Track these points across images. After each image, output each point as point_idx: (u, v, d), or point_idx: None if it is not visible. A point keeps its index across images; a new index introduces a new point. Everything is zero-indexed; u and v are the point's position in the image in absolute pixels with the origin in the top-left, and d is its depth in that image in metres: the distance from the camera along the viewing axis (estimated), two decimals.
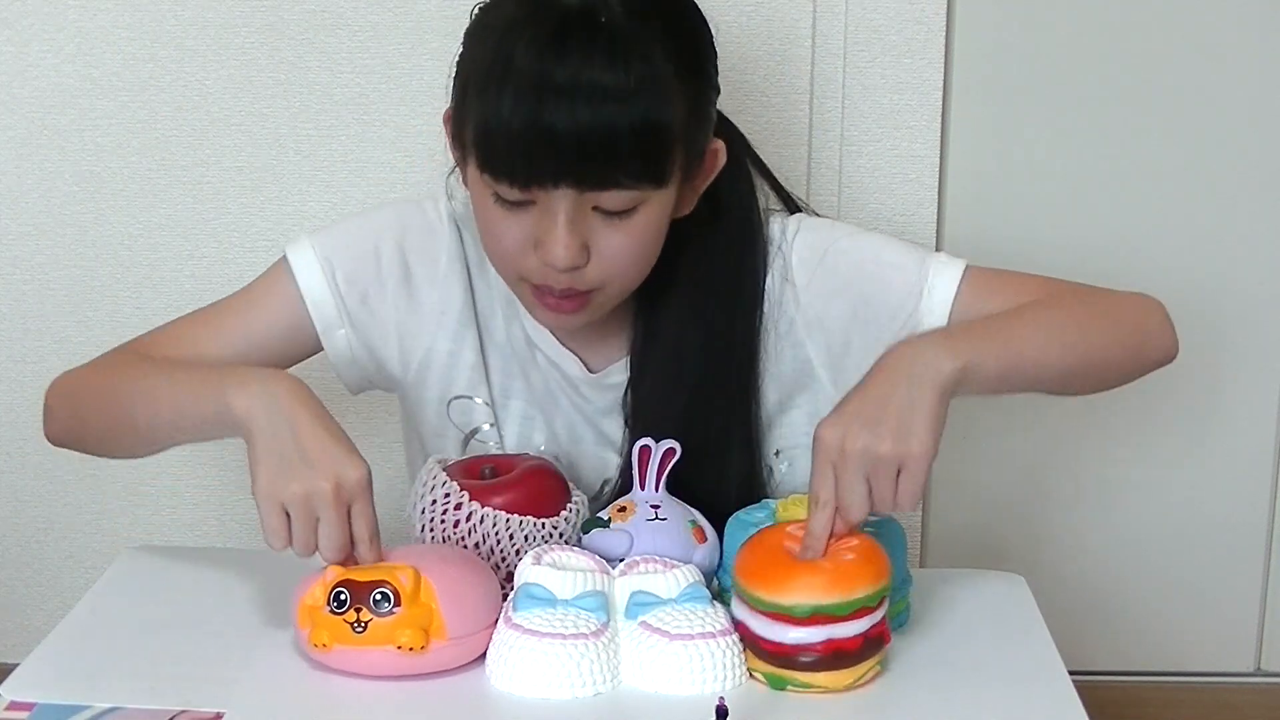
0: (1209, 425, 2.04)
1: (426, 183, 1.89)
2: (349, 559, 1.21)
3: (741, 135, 1.49)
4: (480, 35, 1.31)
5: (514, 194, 1.29)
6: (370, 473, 1.23)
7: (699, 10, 1.36)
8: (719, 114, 1.41)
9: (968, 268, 1.43)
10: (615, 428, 1.47)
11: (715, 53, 1.37)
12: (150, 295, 1.97)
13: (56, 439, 1.45)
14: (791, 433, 1.47)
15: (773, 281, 1.45)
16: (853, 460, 1.20)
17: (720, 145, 1.39)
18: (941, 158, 1.93)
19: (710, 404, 1.41)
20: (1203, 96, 1.94)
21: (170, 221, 1.95)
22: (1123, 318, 1.41)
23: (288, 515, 1.20)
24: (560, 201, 1.28)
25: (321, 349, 1.47)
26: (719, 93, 1.38)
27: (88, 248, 1.95)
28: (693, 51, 1.33)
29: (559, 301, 1.34)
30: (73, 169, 1.93)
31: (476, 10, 1.34)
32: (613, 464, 1.47)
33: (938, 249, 1.94)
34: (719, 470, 1.39)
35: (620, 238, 1.31)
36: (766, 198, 1.50)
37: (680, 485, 1.32)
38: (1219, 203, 1.97)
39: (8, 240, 1.96)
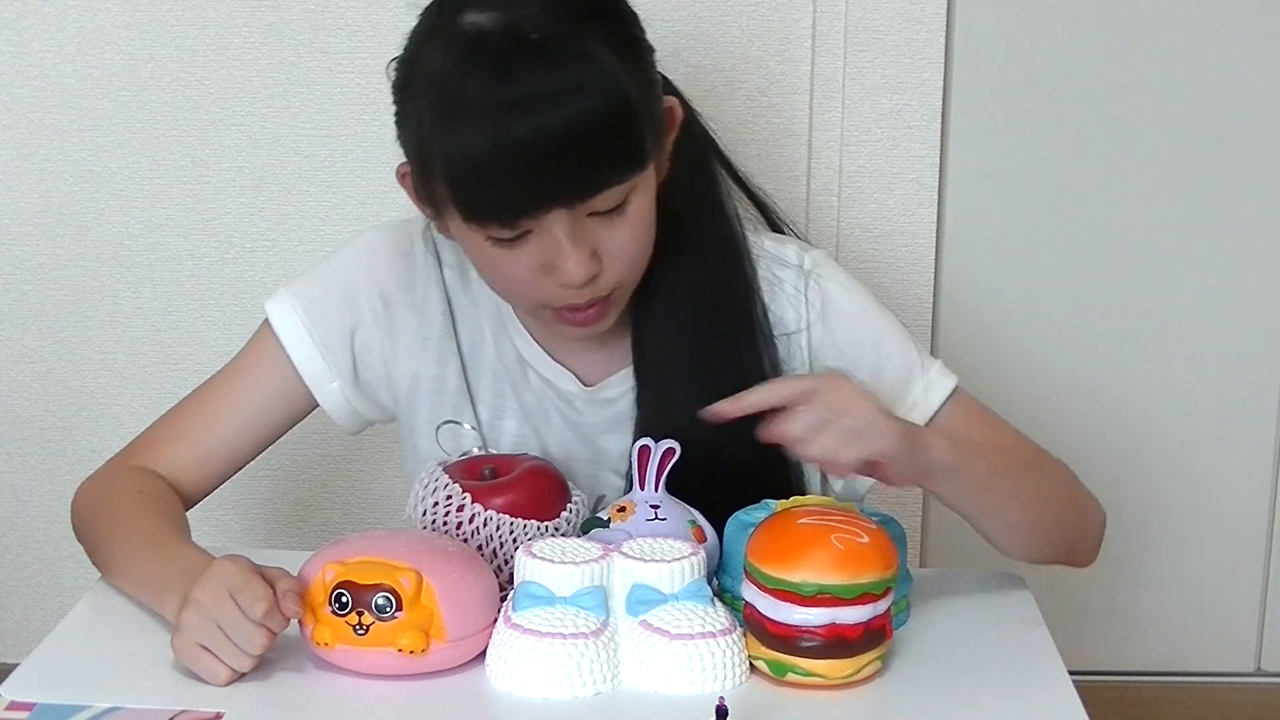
0: (1209, 425, 2.04)
1: None
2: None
3: (705, 131, 1.45)
4: (416, 88, 1.29)
5: (507, 232, 1.27)
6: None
7: None
8: (667, 82, 1.39)
9: (955, 389, 1.43)
10: (612, 444, 1.44)
11: (635, 14, 1.34)
12: (150, 295, 1.97)
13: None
14: None
15: (793, 312, 1.42)
16: (837, 395, 1.26)
17: (674, 102, 1.37)
18: (941, 158, 1.93)
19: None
20: (1203, 95, 1.94)
21: (170, 221, 1.95)
22: (1072, 517, 1.42)
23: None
24: (556, 222, 1.27)
25: (317, 405, 1.46)
26: (654, 51, 1.36)
27: (88, 248, 1.96)
28: (621, 26, 1.32)
29: (586, 315, 1.33)
30: (73, 169, 1.93)
31: (394, 65, 1.32)
32: (607, 483, 1.44)
33: (937, 250, 1.96)
34: (752, 476, 1.36)
35: (624, 232, 1.30)
36: (738, 202, 1.46)
37: (706, 494, 1.32)
38: (1218, 199, 1.97)
39: (8, 240, 1.96)
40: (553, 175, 1.24)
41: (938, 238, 1.96)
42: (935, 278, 1.97)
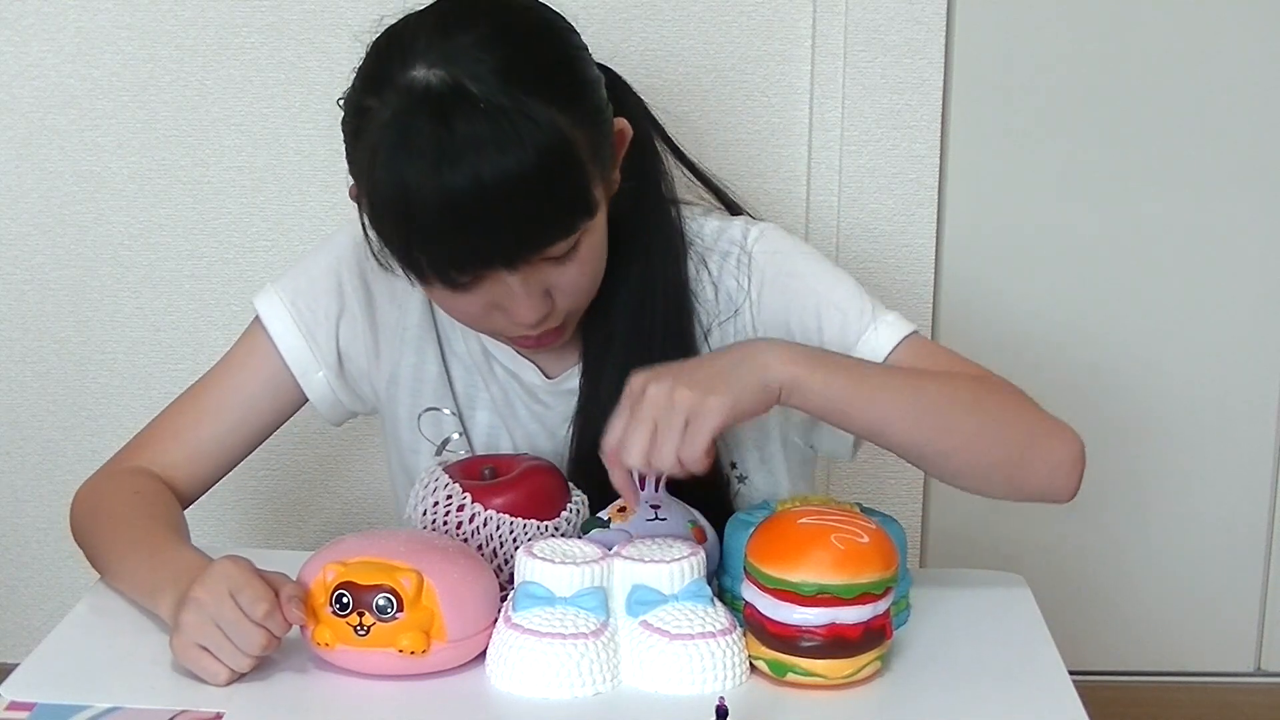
0: (1209, 425, 2.04)
1: None
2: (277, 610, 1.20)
3: (649, 115, 1.44)
4: (363, 134, 1.28)
5: (453, 285, 1.28)
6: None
7: (548, 21, 1.32)
8: (616, 89, 1.37)
9: (912, 333, 1.40)
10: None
11: (582, 52, 1.33)
12: (150, 295, 1.97)
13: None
14: (739, 446, 1.46)
15: (735, 284, 1.42)
16: (647, 403, 1.21)
17: (624, 124, 1.36)
18: (941, 158, 1.93)
19: None
20: (1203, 94, 1.94)
21: (170, 221, 1.95)
22: (1014, 435, 1.34)
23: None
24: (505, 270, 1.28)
25: (306, 399, 1.47)
26: (602, 80, 1.34)
27: (88, 248, 1.96)
28: (566, 75, 1.30)
29: (539, 340, 1.35)
30: (73, 169, 1.93)
31: (343, 103, 1.31)
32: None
33: (937, 250, 1.96)
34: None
35: (575, 269, 1.30)
36: (672, 184, 1.45)
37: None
38: (1218, 199, 1.97)
39: (8, 240, 1.96)
40: (495, 234, 1.24)
41: (938, 238, 1.96)
42: (935, 278, 1.97)
